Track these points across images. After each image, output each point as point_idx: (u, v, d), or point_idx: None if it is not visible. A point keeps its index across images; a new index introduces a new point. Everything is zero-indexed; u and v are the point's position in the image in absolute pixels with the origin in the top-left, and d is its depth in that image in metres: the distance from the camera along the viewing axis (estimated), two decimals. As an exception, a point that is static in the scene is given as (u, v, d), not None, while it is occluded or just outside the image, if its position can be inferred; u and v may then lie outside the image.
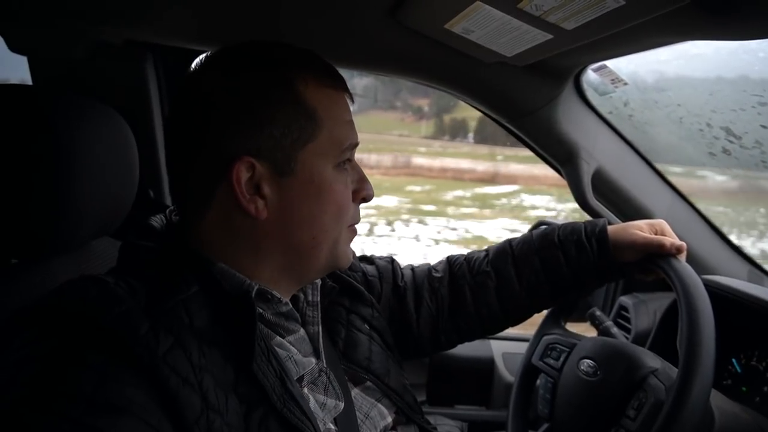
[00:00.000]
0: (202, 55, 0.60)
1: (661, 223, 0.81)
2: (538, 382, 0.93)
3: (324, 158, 0.59)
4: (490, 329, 0.88)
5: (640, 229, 0.79)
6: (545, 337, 0.91)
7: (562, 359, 0.86)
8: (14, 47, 0.97)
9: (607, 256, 0.79)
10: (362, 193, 0.65)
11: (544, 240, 0.83)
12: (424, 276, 0.88)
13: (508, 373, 1.40)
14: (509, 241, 0.87)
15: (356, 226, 0.67)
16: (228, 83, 0.56)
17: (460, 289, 0.85)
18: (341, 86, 0.62)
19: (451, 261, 0.90)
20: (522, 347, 1.00)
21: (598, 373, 0.77)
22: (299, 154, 0.57)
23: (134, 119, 0.85)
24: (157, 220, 0.62)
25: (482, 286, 0.84)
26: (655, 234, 0.79)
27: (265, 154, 0.56)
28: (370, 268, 0.86)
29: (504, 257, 0.85)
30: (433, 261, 0.93)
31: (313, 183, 0.58)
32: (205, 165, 0.56)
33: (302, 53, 0.60)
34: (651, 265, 0.77)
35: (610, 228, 0.81)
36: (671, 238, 0.78)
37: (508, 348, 1.44)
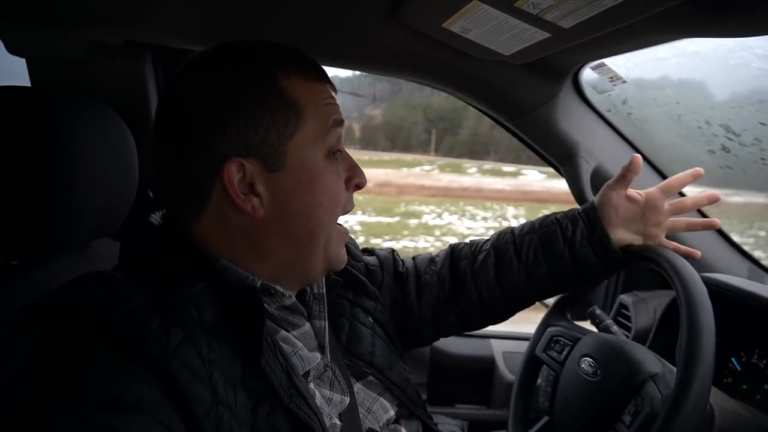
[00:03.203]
0: (185, 59, 0.60)
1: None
2: (541, 373, 0.93)
3: (313, 147, 0.58)
4: (490, 314, 0.87)
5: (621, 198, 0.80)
6: (550, 329, 0.91)
7: (564, 353, 0.86)
8: (13, 49, 0.98)
9: (598, 228, 0.79)
10: (355, 180, 0.64)
11: (544, 220, 0.85)
12: (426, 263, 0.89)
13: (508, 372, 1.40)
14: (512, 227, 0.89)
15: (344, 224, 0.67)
16: (210, 86, 0.56)
17: (461, 268, 0.87)
18: (324, 78, 0.62)
19: (453, 247, 0.91)
20: (522, 346, 1.00)
21: (598, 373, 0.77)
22: (287, 147, 0.57)
23: (133, 120, 0.85)
24: (155, 218, 0.62)
25: (482, 264, 0.85)
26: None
27: (254, 152, 0.55)
28: (371, 259, 0.87)
29: (505, 238, 0.86)
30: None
31: (304, 173, 0.58)
32: (195, 169, 0.56)
33: (284, 49, 0.60)
34: (652, 263, 0.76)
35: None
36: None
37: (508, 347, 1.44)
